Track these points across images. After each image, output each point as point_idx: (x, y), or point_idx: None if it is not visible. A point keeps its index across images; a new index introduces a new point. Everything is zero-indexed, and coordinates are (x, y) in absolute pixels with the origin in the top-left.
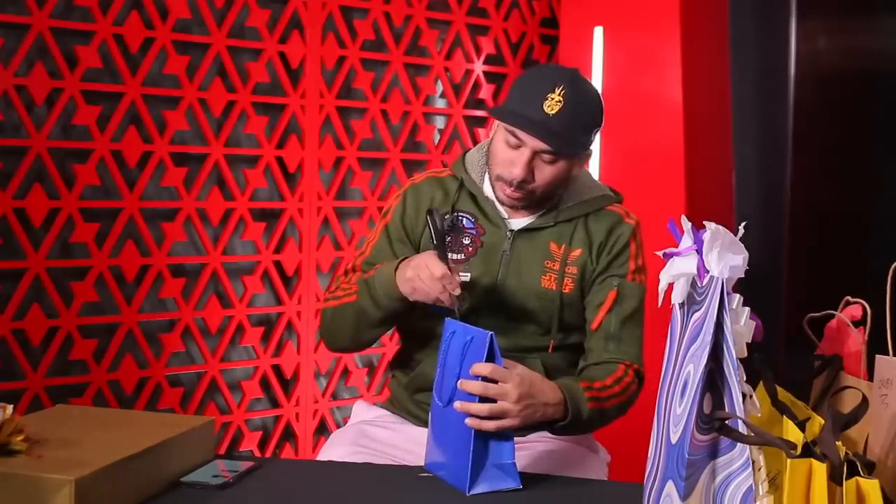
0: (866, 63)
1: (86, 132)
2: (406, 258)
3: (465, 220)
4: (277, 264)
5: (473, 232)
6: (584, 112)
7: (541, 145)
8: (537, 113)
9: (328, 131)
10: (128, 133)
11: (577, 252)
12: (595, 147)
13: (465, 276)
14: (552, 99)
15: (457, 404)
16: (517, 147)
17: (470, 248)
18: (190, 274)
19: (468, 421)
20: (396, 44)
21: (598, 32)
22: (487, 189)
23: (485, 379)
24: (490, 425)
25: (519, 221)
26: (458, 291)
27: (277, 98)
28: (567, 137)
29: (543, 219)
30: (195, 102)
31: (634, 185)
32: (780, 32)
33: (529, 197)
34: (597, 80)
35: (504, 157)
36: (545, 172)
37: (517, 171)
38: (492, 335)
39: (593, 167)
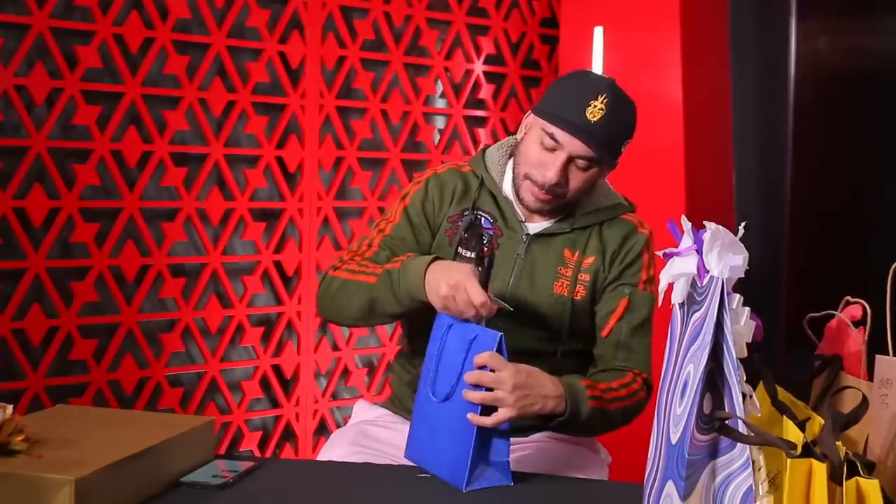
0: (866, 63)
1: (86, 132)
2: (437, 260)
3: (483, 219)
4: (277, 264)
5: (491, 232)
6: (624, 122)
7: (581, 151)
8: (580, 118)
9: (328, 131)
10: (128, 133)
11: (590, 259)
12: None
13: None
14: (595, 106)
15: (466, 392)
16: (553, 150)
17: (485, 249)
18: (190, 274)
19: (470, 416)
20: (396, 44)
21: (598, 32)
22: (507, 189)
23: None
24: (488, 421)
25: (536, 226)
26: (491, 316)
27: (277, 98)
28: (606, 145)
29: (560, 224)
30: (195, 102)
31: (634, 185)
32: (780, 32)
33: (556, 202)
34: None
35: (537, 158)
36: (577, 178)
37: (551, 175)
38: (501, 336)
39: None
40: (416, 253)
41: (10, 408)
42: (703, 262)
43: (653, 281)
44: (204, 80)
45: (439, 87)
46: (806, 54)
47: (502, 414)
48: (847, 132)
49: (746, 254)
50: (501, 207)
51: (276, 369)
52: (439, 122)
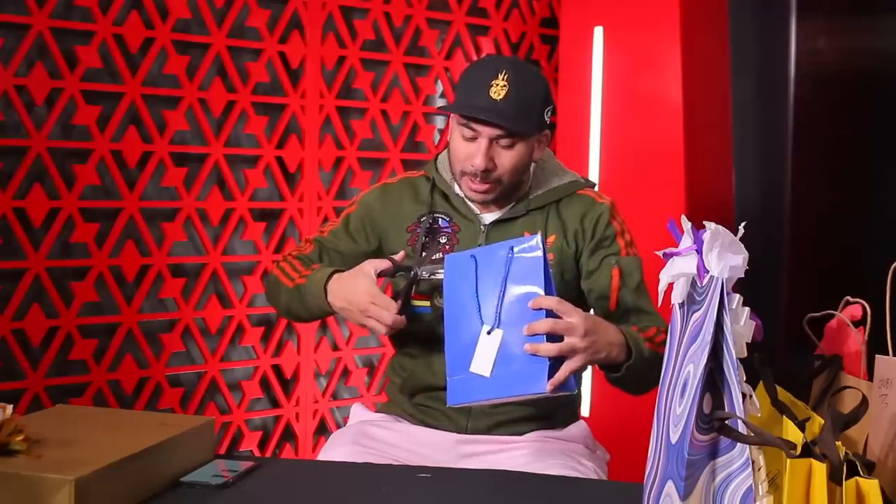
0: (866, 63)
1: (86, 132)
2: (337, 273)
3: (440, 220)
4: None
5: (449, 230)
6: (531, 92)
7: (494, 130)
8: (485, 100)
9: (328, 131)
10: (128, 133)
11: (551, 238)
12: (594, 146)
13: (439, 273)
14: (497, 84)
15: (527, 346)
16: (473, 139)
17: (447, 247)
18: (190, 274)
19: (530, 347)
20: (396, 44)
21: (598, 32)
22: (458, 187)
23: (549, 313)
24: (553, 350)
25: (490, 215)
26: (390, 320)
27: (277, 98)
28: (518, 118)
29: (514, 209)
30: (195, 102)
31: (634, 185)
32: (780, 32)
33: (496, 188)
34: (597, 80)
35: (464, 151)
36: (506, 158)
37: (478, 161)
38: (540, 236)
39: (593, 166)
40: (343, 261)
41: (10, 408)
42: (703, 262)
43: (632, 244)
44: (204, 80)
45: (439, 87)
46: (806, 54)
47: (574, 364)
48: (847, 132)
49: (746, 254)
50: (454, 205)
51: (276, 369)
52: (439, 122)
